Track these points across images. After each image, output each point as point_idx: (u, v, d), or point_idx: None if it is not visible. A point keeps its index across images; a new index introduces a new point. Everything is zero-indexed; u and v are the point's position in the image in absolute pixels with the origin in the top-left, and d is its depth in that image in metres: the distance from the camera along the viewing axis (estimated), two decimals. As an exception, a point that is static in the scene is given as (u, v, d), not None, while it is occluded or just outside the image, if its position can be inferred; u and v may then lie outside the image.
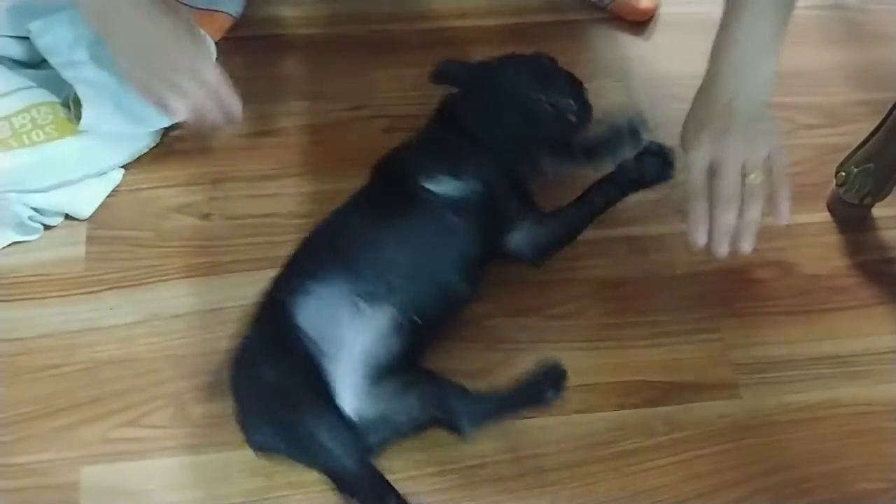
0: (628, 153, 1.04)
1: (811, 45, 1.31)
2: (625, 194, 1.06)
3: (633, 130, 1.05)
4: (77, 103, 1.06)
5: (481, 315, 1.04)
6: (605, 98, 1.23)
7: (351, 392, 0.90)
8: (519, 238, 1.03)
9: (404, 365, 0.93)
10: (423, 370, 0.95)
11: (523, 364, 0.99)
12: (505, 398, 0.94)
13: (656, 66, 1.28)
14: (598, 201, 1.05)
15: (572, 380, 0.95)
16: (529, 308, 1.04)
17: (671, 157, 1.03)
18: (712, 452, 0.97)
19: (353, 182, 1.04)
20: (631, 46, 1.30)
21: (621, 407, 0.99)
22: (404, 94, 1.23)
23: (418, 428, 0.92)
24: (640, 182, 1.05)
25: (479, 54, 1.14)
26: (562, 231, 1.06)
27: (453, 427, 0.92)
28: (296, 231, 1.04)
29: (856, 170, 1.11)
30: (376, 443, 0.91)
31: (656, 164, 1.04)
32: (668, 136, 1.19)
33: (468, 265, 0.99)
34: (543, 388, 0.94)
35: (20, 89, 1.08)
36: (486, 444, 0.96)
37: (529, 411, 0.96)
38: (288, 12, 1.32)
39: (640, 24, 1.32)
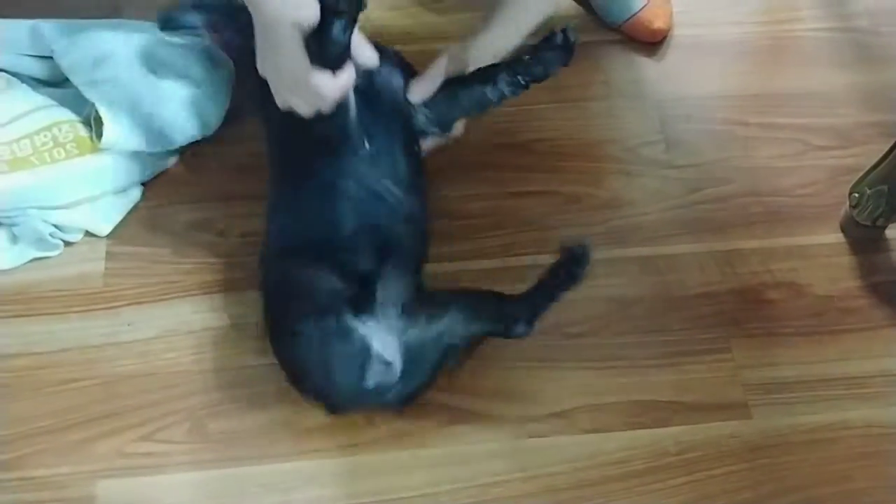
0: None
1: (823, 67, 1.32)
2: (519, 89, 1.01)
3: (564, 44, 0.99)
4: (98, 122, 1.08)
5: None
6: (617, 119, 1.25)
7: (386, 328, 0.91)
8: (421, 118, 1.04)
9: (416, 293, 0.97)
10: (454, 291, 1.01)
11: (539, 383, 0.99)
12: (544, 290, 1.02)
13: (669, 86, 1.29)
14: (489, 92, 1.01)
15: (584, 400, 0.96)
16: (544, 327, 1.05)
17: (573, 46, 0.99)
18: (723, 473, 0.97)
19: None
20: (644, 67, 1.31)
21: (633, 427, 1.00)
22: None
23: (469, 345, 1.00)
24: (538, 79, 1.00)
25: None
26: (457, 106, 1.04)
27: (510, 332, 0.99)
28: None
29: (869, 191, 1.11)
30: (430, 370, 0.95)
31: (559, 58, 0.99)
32: (680, 155, 1.21)
33: (396, 167, 1.00)
34: (573, 268, 1.03)
35: (42, 108, 1.10)
36: (498, 462, 0.97)
37: (569, 291, 1.03)
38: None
39: (653, 44, 1.33)
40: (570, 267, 1.04)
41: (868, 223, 1.14)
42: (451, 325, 0.95)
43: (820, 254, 1.14)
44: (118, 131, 1.08)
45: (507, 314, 1.00)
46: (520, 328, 1.00)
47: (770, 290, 1.11)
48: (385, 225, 0.97)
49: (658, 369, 1.04)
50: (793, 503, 0.96)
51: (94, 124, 1.10)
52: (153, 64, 1.10)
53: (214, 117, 1.15)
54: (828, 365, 1.05)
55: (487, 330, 1.00)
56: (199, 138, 1.15)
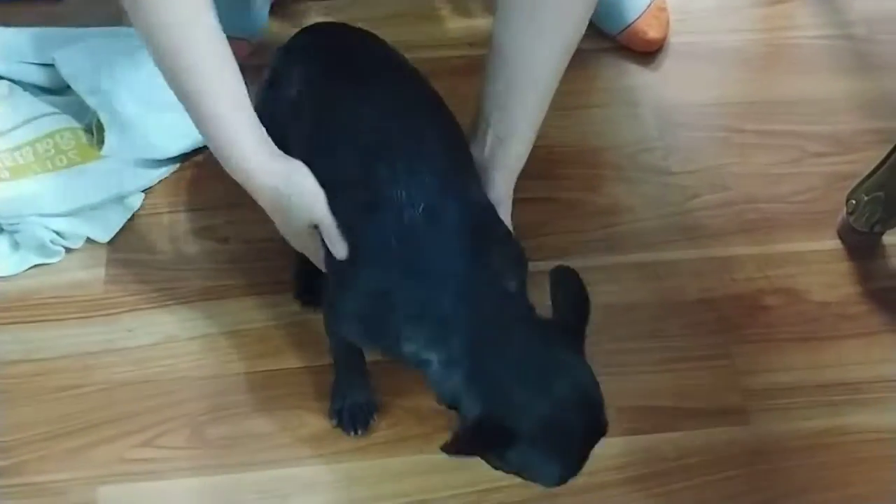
0: None
1: (820, 75, 1.32)
2: None
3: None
4: (100, 129, 1.09)
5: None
6: (615, 126, 1.25)
7: None
8: None
9: None
10: None
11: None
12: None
13: (666, 93, 1.30)
14: None
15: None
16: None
17: None
18: (721, 478, 0.97)
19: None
20: (640, 75, 1.32)
21: (631, 432, 1.00)
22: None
23: None
24: None
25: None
26: None
27: None
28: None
29: (866, 198, 1.12)
30: None
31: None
32: (678, 162, 1.22)
33: None
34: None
35: (44, 115, 1.10)
36: (497, 468, 0.97)
37: None
38: (305, 39, 1.35)
39: (650, 53, 1.33)
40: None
41: (865, 229, 1.14)
42: None
43: (817, 260, 1.15)
44: (120, 138, 1.08)
45: None
46: None
47: (768, 296, 1.11)
48: None
49: (656, 375, 1.04)
50: (791, 508, 0.96)
51: (95, 131, 1.11)
52: (153, 71, 1.11)
53: None
54: (825, 370, 1.06)
55: None
56: (200, 146, 1.15)
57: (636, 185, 1.20)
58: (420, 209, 0.81)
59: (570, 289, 0.84)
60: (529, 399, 0.76)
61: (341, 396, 0.99)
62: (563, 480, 0.79)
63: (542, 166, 1.20)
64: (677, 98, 1.29)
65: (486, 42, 0.93)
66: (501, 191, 0.95)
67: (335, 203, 0.85)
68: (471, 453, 0.78)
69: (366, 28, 1.01)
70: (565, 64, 0.93)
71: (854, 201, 1.13)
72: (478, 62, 0.96)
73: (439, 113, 0.93)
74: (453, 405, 0.80)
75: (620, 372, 1.04)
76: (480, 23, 1.36)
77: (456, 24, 1.38)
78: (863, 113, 1.28)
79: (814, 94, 1.30)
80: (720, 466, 0.98)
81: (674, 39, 1.35)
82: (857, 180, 1.13)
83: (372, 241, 0.83)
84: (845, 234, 1.16)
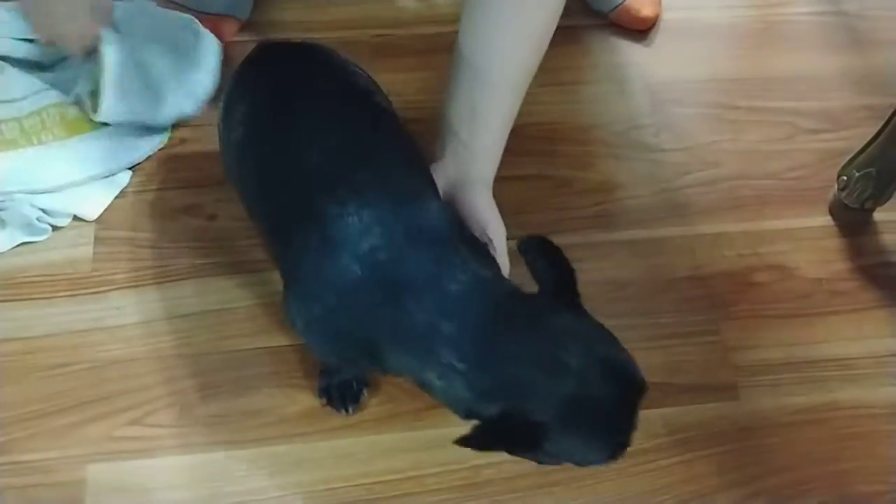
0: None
1: (812, 51, 1.32)
2: None
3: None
4: (93, 95, 1.08)
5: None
6: (607, 103, 1.25)
7: None
8: None
9: None
10: None
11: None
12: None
13: (658, 70, 1.29)
14: None
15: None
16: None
17: None
18: (712, 454, 0.98)
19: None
20: (632, 52, 1.31)
21: (622, 408, 1.00)
22: (406, 99, 1.23)
23: None
24: None
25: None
26: None
27: None
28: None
29: (857, 174, 1.11)
30: None
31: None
32: (670, 139, 1.22)
33: None
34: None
35: (35, 93, 1.10)
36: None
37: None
38: (291, 17, 1.34)
39: (642, 30, 1.32)
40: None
41: (856, 206, 1.14)
42: None
43: (808, 236, 1.15)
44: (114, 103, 1.07)
45: None
46: None
47: (758, 272, 1.11)
48: None
49: (648, 351, 1.03)
50: (782, 483, 0.96)
51: (89, 99, 1.10)
52: (142, 32, 1.11)
53: (202, 87, 1.15)
54: (816, 347, 1.06)
55: None
56: (189, 112, 1.15)
57: (627, 162, 1.19)
58: (377, 232, 0.77)
59: (546, 254, 0.80)
60: (546, 381, 0.72)
61: (328, 374, 0.98)
62: (615, 455, 0.75)
63: (533, 143, 1.20)
64: (669, 75, 1.28)
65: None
66: (484, 200, 0.92)
67: (292, 243, 0.82)
68: (494, 449, 0.75)
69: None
70: (537, 63, 0.92)
71: (845, 178, 1.13)
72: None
73: (388, 131, 0.89)
74: (472, 417, 0.76)
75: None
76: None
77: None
78: (855, 89, 1.28)
79: (806, 70, 1.29)
80: (711, 442, 0.98)
81: (666, 16, 1.34)
82: (849, 157, 1.13)
83: (334, 276, 0.78)
84: (836, 210, 1.16)
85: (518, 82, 0.92)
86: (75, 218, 1.11)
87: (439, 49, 1.30)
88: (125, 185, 1.14)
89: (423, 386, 0.79)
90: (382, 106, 0.94)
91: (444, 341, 0.75)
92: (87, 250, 1.09)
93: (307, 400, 0.99)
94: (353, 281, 0.77)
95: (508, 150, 1.18)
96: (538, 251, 0.80)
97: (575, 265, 1.06)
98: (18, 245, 1.08)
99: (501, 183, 1.15)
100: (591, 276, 1.09)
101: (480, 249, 0.85)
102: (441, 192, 0.89)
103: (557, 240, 1.11)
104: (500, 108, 0.92)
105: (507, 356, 0.73)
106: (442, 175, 0.92)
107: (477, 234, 0.88)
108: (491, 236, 0.89)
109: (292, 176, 0.84)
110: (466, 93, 0.91)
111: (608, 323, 1.05)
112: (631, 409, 0.75)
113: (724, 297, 1.09)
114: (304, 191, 0.82)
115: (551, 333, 0.74)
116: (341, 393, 0.98)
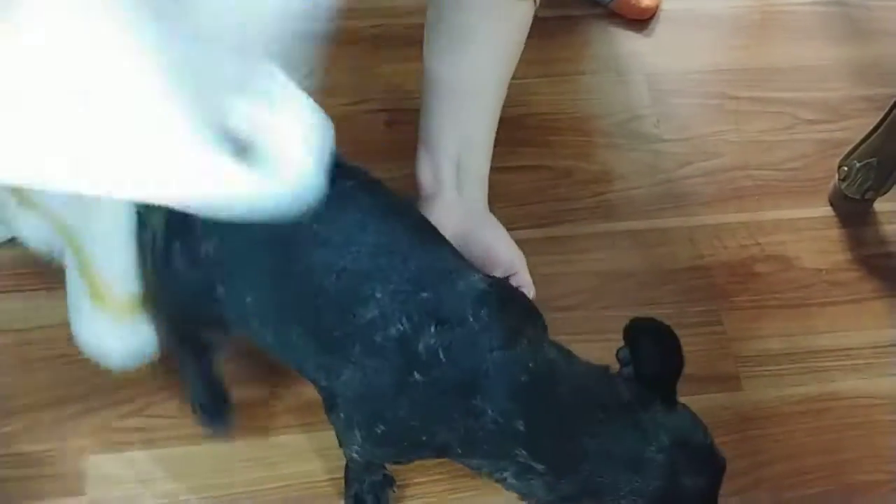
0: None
1: (812, 41, 1.32)
2: None
3: None
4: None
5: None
6: (607, 93, 1.24)
7: None
8: None
9: None
10: None
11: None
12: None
13: (658, 61, 1.29)
14: None
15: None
16: (534, 300, 1.05)
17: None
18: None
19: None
20: (632, 42, 1.31)
21: (624, 398, 1.00)
22: (407, 89, 1.24)
23: None
24: None
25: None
26: None
27: None
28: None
29: (858, 164, 1.11)
30: None
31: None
32: (670, 129, 1.21)
33: None
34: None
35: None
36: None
37: None
38: (292, 6, 1.33)
39: (643, 20, 1.32)
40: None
41: (857, 196, 1.14)
42: None
43: (809, 227, 1.15)
44: None
45: None
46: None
47: (759, 263, 1.11)
48: None
49: (649, 342, 1.04)
50: (783, 473, 0.96)
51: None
52: None
53: None
54: (816, 337, 1.06)
55: None
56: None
57: (628, 153, 1.19)
58: (407, 326, 0.69)
59: (657, 342, 0.73)
60: (633, 479, 0.68)
61: (356, 479, 0.91)
62: None
63: (533, 134, 1.20)
64: (669, 65, 1.28)
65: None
66: (498, 232, 0.89)
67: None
68: None
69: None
70: (512, 70, 0.90)
71: (846, 168, 1.13)
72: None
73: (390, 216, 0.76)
74: None
75: (613, 339, 1.03)
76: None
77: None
78: (855, 80, 1.28)
79: (807, 61, 1.29)
80: (714, 431, 0.96)
81: (666, 6, 1.34)
82: (850, 147, 1.13)
83: (376, 391, 0.72)
84: (837, 201, 1.16)
85: (499, 94, 0.90)
86: (73, 209, 1.10)
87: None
88: (124, 175, 1.13)
89: (497, 481, 0.74)
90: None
91: (519, 437, 0.69)
92: (85, 241, 1.08)
93: (307, 391, 0.98)
94: (397, 386, 0.71)
95: (508, 141, 1.18)
96: (650, 335, 0.73)
97: (577, 256, 1.07)
98: (13, 237, 1.07)
99: (501, 174, 1.15)
100: (591, 266, 1.10)
101: (521, 307, 0.79)
102: (450, 232, 0.81)
103: (558, 231, 1.13)
104: (483, 118, 0.90)
105: (592, 455, 0.69)
106: (444, 212, 0.86)
107: (499, 274, 0.83)
108: (515, 270, 0.85)
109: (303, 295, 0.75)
110: (447, 110, 0.88)
111: (608, 313, 1.06)
112: (715, 496, 0.73)
113: (725, 287, 1.09)
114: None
115: (642, 430, 0.69)
116: (375, 495, 0.92)
